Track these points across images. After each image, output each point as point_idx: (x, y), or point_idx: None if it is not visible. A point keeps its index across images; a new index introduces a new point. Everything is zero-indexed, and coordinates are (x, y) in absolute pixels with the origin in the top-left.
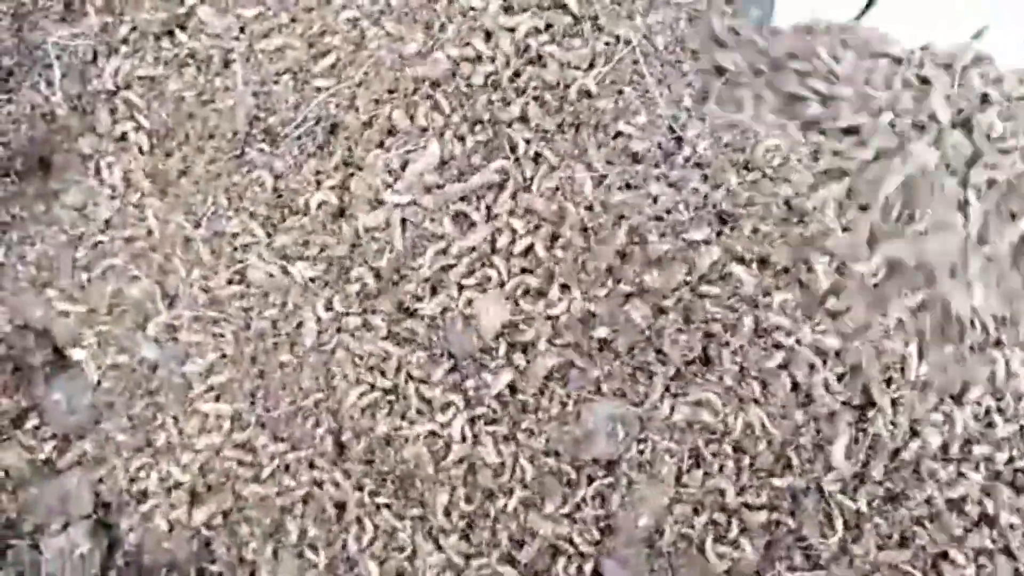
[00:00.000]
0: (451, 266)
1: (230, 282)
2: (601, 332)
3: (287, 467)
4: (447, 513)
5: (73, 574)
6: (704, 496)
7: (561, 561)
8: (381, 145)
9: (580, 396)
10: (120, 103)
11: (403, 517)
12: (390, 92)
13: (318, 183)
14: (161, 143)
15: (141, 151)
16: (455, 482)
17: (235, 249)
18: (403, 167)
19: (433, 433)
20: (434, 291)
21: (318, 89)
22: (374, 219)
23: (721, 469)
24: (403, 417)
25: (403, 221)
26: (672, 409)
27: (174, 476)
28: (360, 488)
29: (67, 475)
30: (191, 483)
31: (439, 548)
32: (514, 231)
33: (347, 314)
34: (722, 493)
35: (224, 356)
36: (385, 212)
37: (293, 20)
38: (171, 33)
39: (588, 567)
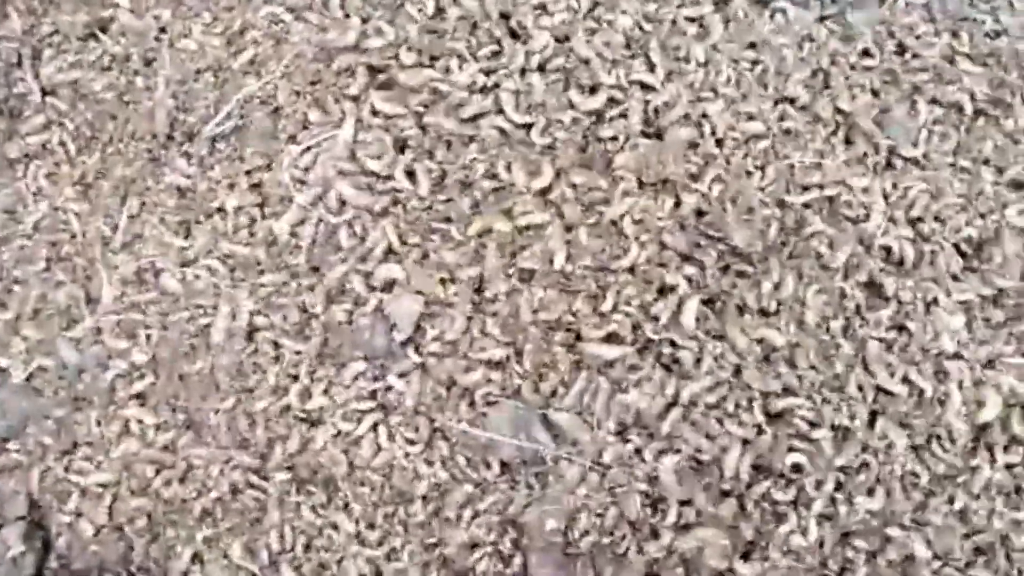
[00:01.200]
0: (363, 263)
1: (145, 286)
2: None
3: (207, 471)
4: (367, 516)
5: None
6: (610, 503)
7: (484, 561)
8: (295, 140)
9: (487, 399)
10: (45, 106)
11: (326, 520)
12: (312, 84)
13: (231, 185)
14: (87, 146)
15: (67, 154)
16: (373, 485)
17: (150, 253)
18: (315, 161)
19: (347, 436)
20: (345, 290)
21: (238, 86)
22: (286, 218)
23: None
24: (315, 422)
25: (318, 220)
26: None
27: (96, 479)
28: (282, 492)
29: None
30: (113, 486)
31: (362, 549)
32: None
33: (259, 313)
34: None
35: (145, 361)
36: (297, 209)
37: (215, 19)
38: (94, 35)
39: (516, 562)
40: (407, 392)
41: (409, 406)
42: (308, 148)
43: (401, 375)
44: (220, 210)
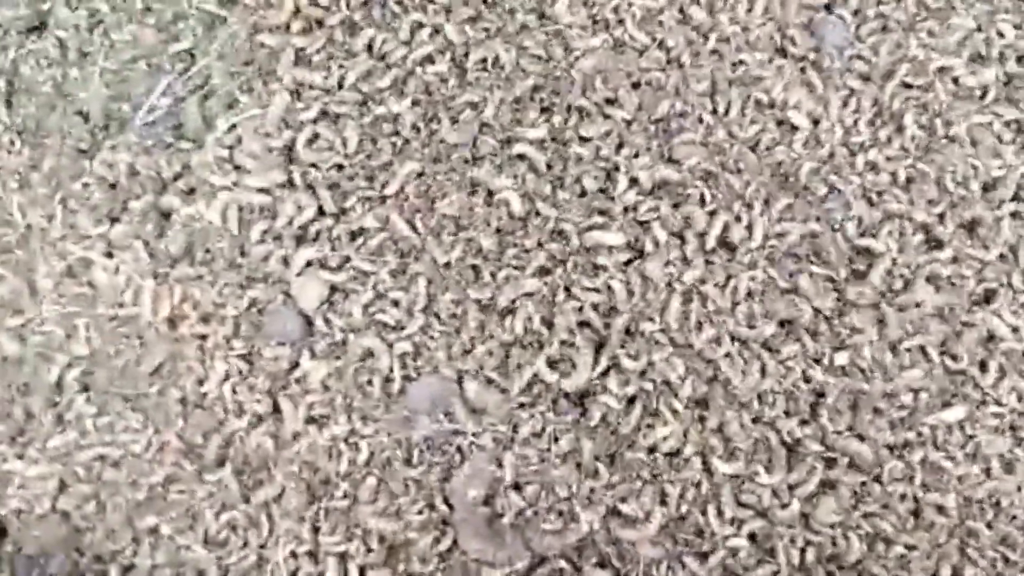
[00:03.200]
0: (278, 246)
1: (75, 277)
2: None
3: (142, 458)
4: (297, 500)
5: None
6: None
7: (415, 536)
8: (224, 119)
9: (404, 374)
10: None
11: (256, 506)
12: (246, 64)
13: (159, 173)
14: (30, 139)
15: (10, 148)
16: (299, 469)
17: (78, 243)
18: (241, 140)
19: (267, 422)
20: (261, 274)
21: (175, 74)
22: (213, 205)
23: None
24: (235, 409)
25: (238, 205)
26: None
27: (39, 467)
28: (215, 480)
29: None
30: (56, 474)
31: (295, 531)
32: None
33: (183, 302)
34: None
35: (85, 351)
36: (221, 196)
37: (148, 9)
38: (34, 29)
39: (447, 537)
40: (321, 375)
41: (324, 389)
42: (234, 126)
43: (314, 357)
44: (145, 200)
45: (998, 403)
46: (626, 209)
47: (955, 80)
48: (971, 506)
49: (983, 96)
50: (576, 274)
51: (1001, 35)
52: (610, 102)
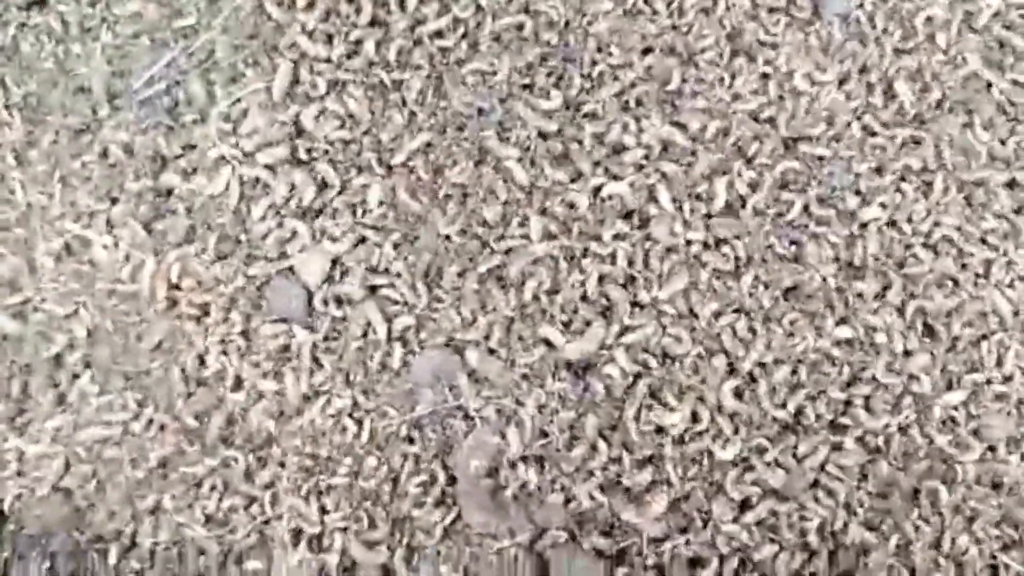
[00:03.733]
0: (280, 221)
1: (75, 255)
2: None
3: (143, 436)
4: (299, 475)
5: None
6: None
7: (418, 511)
8: (228, 94)
9: (407, 349)
10: None
11: (259, 485)
12: (250, 38)
13: (157, 150)
14: (31, 115)
15: (10, 124)
16: (302, 444)
17: (77, 221)
18: (245, 114)
19: (268, 398)
20: (261, 251)
21: (178, 49)
22: (211, 178)
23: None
24: (235, 385)
25: (241, 180)
26: None
27: (40, 446)
28: (219, 459)
29: None
30: (57, 453)
31: (296, 505)
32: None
33: (185, 278)
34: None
35: (85, 329)
36: (224, 171)
37: None
38: (35, 4)
39: (451, 512)
40: (322, 350)
41: (325, 364)
42: (238, 100)
43: (315, 332)
44: (145, 178)
45: (1003, 381)
46: (634, 169)
47: (946, 50)
48: (974, 486)
49: (968, 63)
50: (582, 241)
51: (988, 5)
52: (621, 66)
